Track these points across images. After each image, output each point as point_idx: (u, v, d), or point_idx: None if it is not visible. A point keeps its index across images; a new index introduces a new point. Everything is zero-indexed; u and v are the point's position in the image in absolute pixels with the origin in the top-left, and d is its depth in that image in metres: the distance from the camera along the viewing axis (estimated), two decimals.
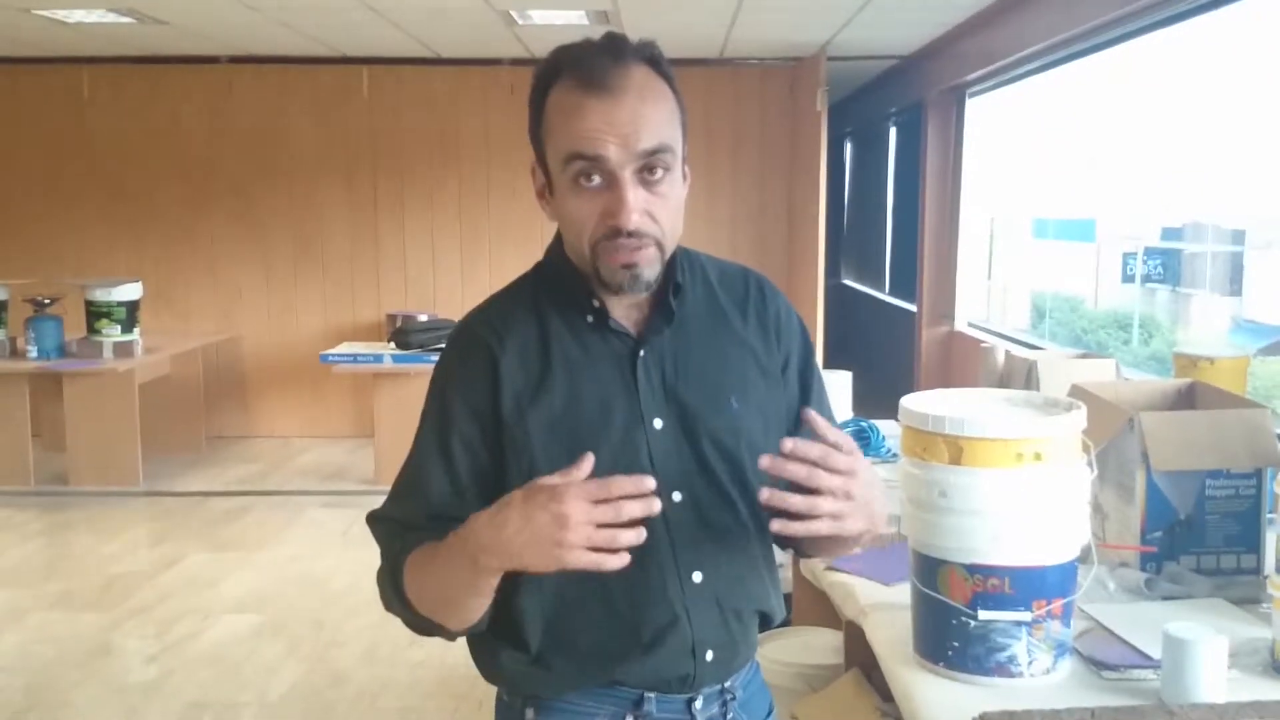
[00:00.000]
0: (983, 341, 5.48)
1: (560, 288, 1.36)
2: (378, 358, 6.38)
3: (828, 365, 6.05)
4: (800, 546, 1.44)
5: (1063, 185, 6.58)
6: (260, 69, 7.50)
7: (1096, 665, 1.52)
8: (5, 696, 3.69)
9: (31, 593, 4.69)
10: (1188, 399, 2.16)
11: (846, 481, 1.19)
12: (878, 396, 4.25)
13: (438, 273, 7.78)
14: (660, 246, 1.28)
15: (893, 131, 8.63)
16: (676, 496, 1.32)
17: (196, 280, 7.75)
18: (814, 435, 1.21)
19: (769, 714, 1.49)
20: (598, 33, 1.30)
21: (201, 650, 4.06)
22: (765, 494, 1.19)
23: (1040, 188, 6.87)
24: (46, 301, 6.50)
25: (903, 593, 1.61)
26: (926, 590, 1.50)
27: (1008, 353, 3.06)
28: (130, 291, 6.48)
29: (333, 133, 7.63)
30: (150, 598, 4.60)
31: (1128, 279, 5.77)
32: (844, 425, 3.02)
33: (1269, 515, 1.86)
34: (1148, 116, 5.51)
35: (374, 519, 1.39)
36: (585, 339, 1.34)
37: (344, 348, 6.71)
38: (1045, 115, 6.52)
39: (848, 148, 10.84)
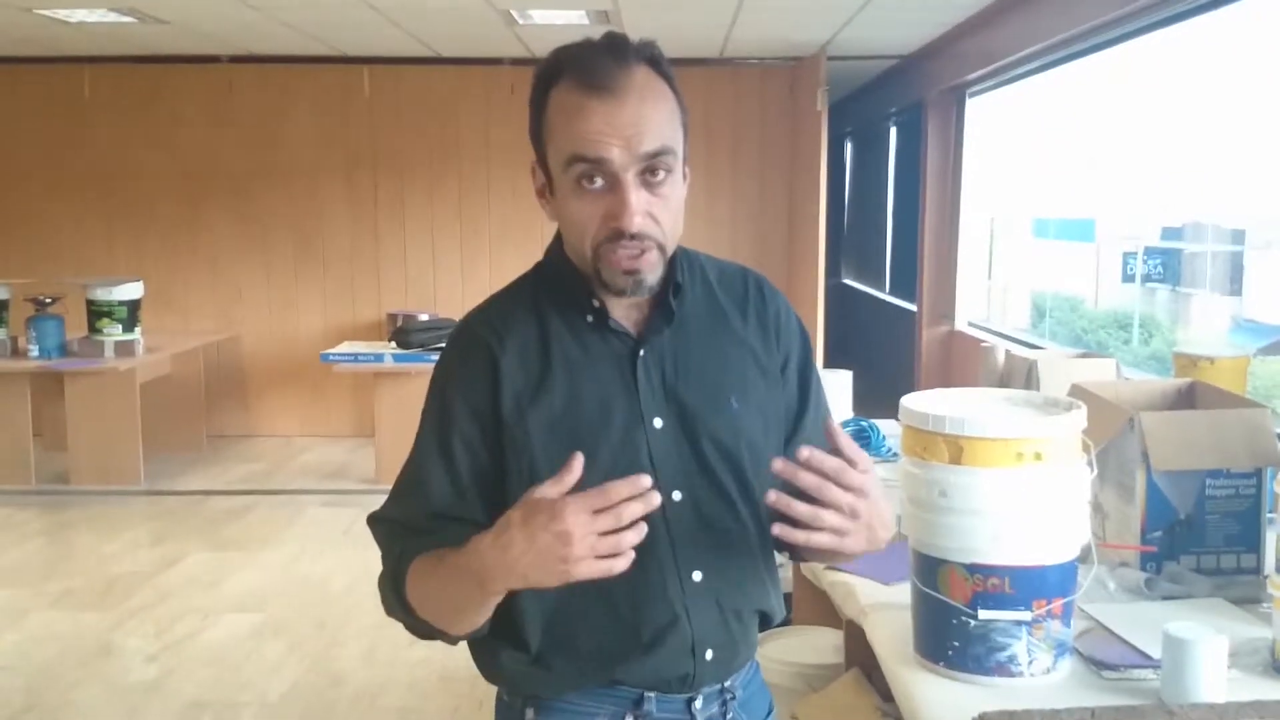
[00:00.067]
0: (983, 341, 5.48)
1: (560, 288, 1.36)
2: (378, 357, 6.38)
3: (828, 365, 6.07)
4: (795, 552, 1.44)
5: (1063, 185, 6.58)
6: (261, 68, 7.50)
7: (1096, 665, 1.52)
8: (5, 696, 3.69)
9: (32, 592, 4.69)
10: (1188, 399, 2.16)
11: (855, 500, 1.19)
12: (878, 396, 4.25)
13: (438, 272, 7.78)
14: (662, 249, 1.28)
15: (893, 131, 8.63)
16: (676, 496, 1.32)
17: (197, 279, 7.75)
18: (832, 447, 1.20)
19: (769, 714, 1.49)
20: (598, 32, 1.30)
21: (202, 650, 4.06)
22: (772, 496, 1.18)
23: (1040, 187, 6.87)
24: (48, 301, 6.50)
25: (903, 592, 1.61)
26: (927, 590, 1.50)
27: (1008, 352, 3.07)
28: (131, 291, 6.48)
29: (333, 132, 7.63)
30: (151, 597, 4.60)
31: (1128, 279, 5.77)
32: (844, 425, 3.02)
33: (1269, 515, 1.86)
34: (1147, 116, 5.51)
35: (374, 520, 1.39)
36: (585, 339, 1.34)
37: (344, 347, 6.70)
38: (1045, 115, 6.52)
39: (848, 147, 10.84)
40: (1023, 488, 1.43)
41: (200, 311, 7.76)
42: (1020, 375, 2.86)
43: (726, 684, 1.39)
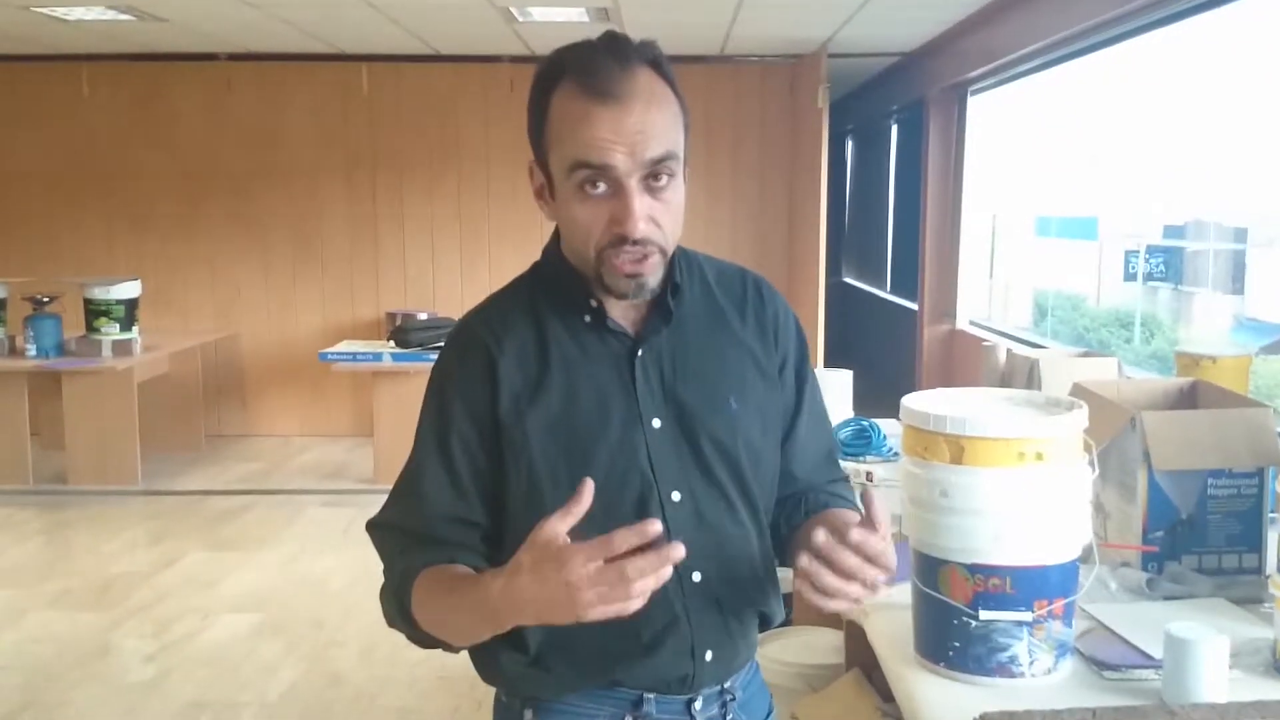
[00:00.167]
0: (984, 340, 5.48)
1: (558, 288, 1.35)
2: (377, 356, 6.37)
3: (828, 364, 6.06)
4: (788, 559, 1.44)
5: (1065, 183, 6.58)
6: (260, 66, 7.50)
7: (1098, 665, 1.52)
8: (3, 695, 3.68)
9: (30, 592, 4.68)
10: (1190, 398, 2.15)
11: (880, 576, 1.19)
12: (879, 395, 4.24)
13: (437, 271, 7.77)
14: (664, 252, 1.28)
15: (894, 129, 8.62)
16: (675, 496, 1.32)
17: (195, 278, 7.74)
18: (870, 514, 1.18)
19: (768, 714, 1.48)
20: (597, 30, 1.29)
21: (200, 650, 4.05)
22: (804, 561, 1.16)
23: (1042, 186, 6.86)
24: (45, 300, 6.49)
25: (903, 593, 1.60)
26: (927, 590, 1.49)
27: (1009, 351, 3.06)
28: (129, 290, 6.47)
29: (332, 130, 7.62)
30: (149, 597, 4.60)
31: (1130, 277, 5.77)
32: (845, 424, 3.01)
33: (1271, 515, 1.85)
34: (1149, 114, 5.50)
35: (374, 526, 1.39)
36: (583, 339, 1.34)
37: (343, 346, 6.69)
38: (1047, 113, 6.51)
39: (849, 145, 10.83)
40: (1024, 487, 1.42)
41: (199, 310, 7.76)
42: (1022, 374, 2.86)
43: (726, 685, 1.39)
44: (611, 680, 1.33)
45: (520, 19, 6.05)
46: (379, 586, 1.35)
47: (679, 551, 1.09)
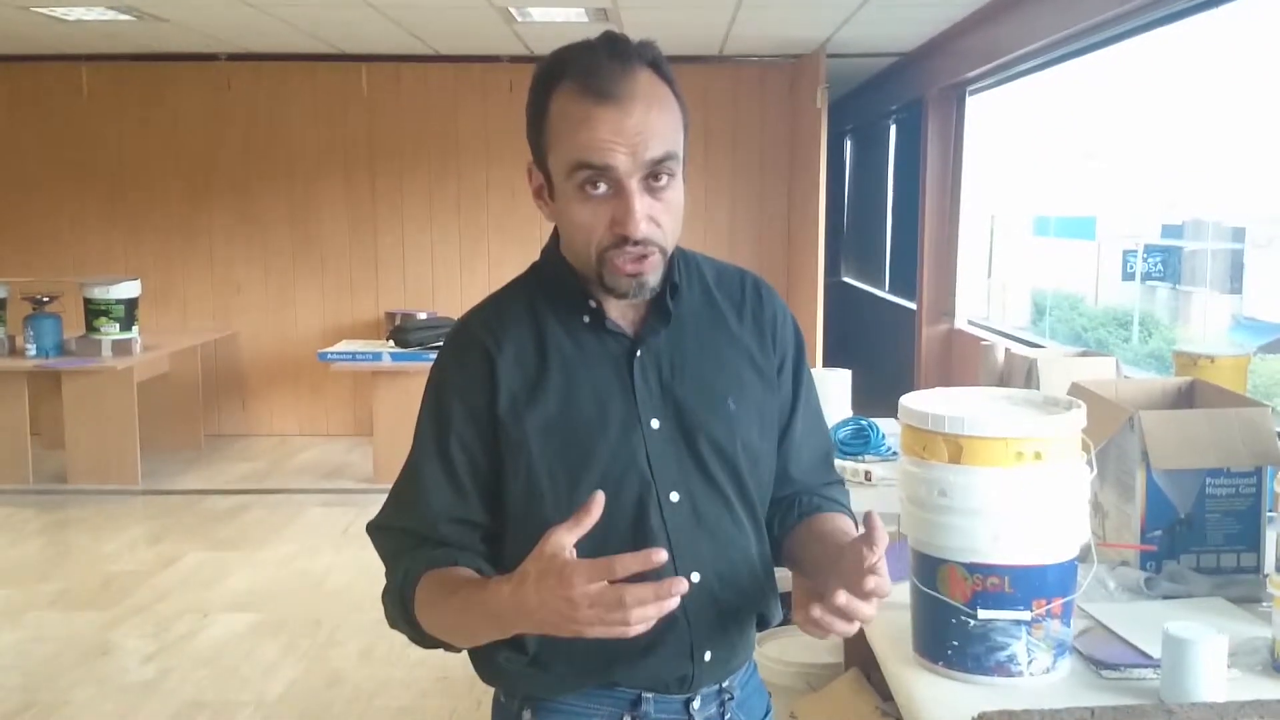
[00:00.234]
0: (983, 339, 5.48)
1: (557, 289, 1.35)
2: (376, 356, 6.37)
3: (827, 363, 6.07)
4: (793, 565, 1.44)
5: (1063, 182, 6.58)
6: (259, 66, 7.49)
7: (1096, 664, 1.52)
8: (3, 695, 3.68)
9: (29, 591, 4.68)
10: (1188, 397, 2.16)
11: (878, 604, 1.19)
12: (877, 394, 4.25)
13: (436, 270, 7.77)
14: (664, 251, 1.29)
15: (893, 129, 8.62)
16: (674, 497, 1.32)
17: (195, 278, 7.74)
18: (870, 536, 1.18)
19: (766, 714, 1.48)
20: (596, 31, 1.29)
21: (199, 649, 4.05)
22: (818, 614, 1.16)
23: (1040, 185, 6.86)
24: (45, 299, 6.49)
25: (902, 592, 1.60)
26: (926, 589, 1.49)
27: (1008, 351, 3.06)
28: (129, 289, 6.47)
29: (332, 130, 7.62)
30: (148, 596, 4.60)
31: (1128, 276, 5.76)
32: (843, 424, 3.01)
33: (1269, 514, 1.86)
34: (1148, 114, 5.51)
35: (374, 529, 1.39)
36: (582, 339, 1.34)
37: (342, 346, 6.70)
38: (1045, 113, 6.51)
39: (848, 145, 10.82)
40: (1022, 487, 1.42)
41: (198, 310, 7.76)
42: (1020, 374, 2.86)
43: (724, 685, 1.39)
44: (610, 680, 1.34)
45: (519, 19, 6.05)
46: (379, 587, 1.36)
47: (681, 586, 1.09)
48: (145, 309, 6.84)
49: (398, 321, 6.90)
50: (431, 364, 1.40)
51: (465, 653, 1.39)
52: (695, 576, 1.32)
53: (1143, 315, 5.70)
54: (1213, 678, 1.39)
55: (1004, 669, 1.46)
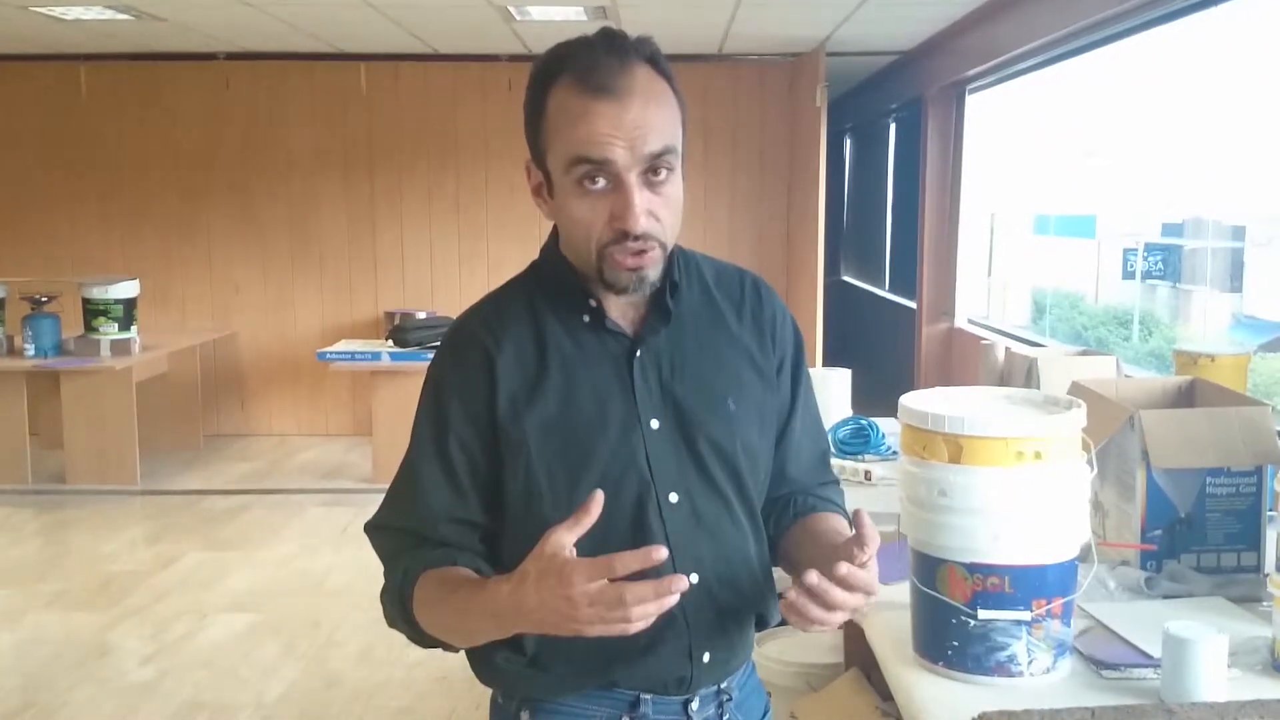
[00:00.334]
0: (983, 338, 5.48)
1: (557, 288, 1.35)
2: (375, 355, 6.37)
3: (827, 363, 6.06)
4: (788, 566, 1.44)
5: (1063, 181, 6.57)
6: (257, 65, 7.49)
7: (1096, 664, 1.51)
8: (1, 695, 3.68)
9: (28, 592, 4.68)
10: (1188, 396, 2.15)
11: (865, 599, 1.19)
12: (877, 394, 4.24)
13: (435, 270, 7.77)
14: (664, 246, 1.28)
15: (892, 127, 8.61)
16: (673, 498, 1.31)
17: (194, 278, 7.74)
18: (860, 535, 1.17)
19: (764, 714, 1.48)
20: (595, 29, 1.28)
21: (198, 650, 4.05)
22: (793, 595, 1.17)
23: (1040, 183, 6.86)
24: (44, 299, 6.49)
25: (902, 592, 1.60)
26: (926, 589, 1.49)
27: (1008, 350, 3.05)
28: (127, 289, 6.47)
29: (330, 129, 7.61)
30: (147, 597, 4.59)
31: (1128, 275, 5.76)
32: (843, 423, 3.01)
33: (1269, 513, 1.85)
34: (1148, 112, 5.50)
35: (372, 529, 1.39)
36: (581, 339, 1.33)
37: (341, 345, 6.69)
38: (1045, 111, 6.50)
39: (847, 144, 10.82)
40: (1022, 487, 1.42)
41: (197, 309, 7.75)
42: (1020, 373, 2.85)
43: (723, 686, 1.39)
44: (609, 681, 1.33)
45: (518, 18, 6.05)
46: (378, 587, 1.35)
47: (681, 584, 1.09)
48: (144, 309, 6.83)
49: (397, 321, 6.90)
50: (429, 363, 1.39)
51: (463, 653, 1.38)
52: (694, 577, 1.31)
53: (1143, 314, 5.70)
54: (1213, 677, 1.38)
55: (1004, 669, 1.45)
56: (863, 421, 3.03)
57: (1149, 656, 1.51)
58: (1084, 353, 3.07)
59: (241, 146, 7.61)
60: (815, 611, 1.17)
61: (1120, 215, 5.96)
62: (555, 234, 1.37)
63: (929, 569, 1.49)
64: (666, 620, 1.30)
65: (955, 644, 1.47)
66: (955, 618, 1.46)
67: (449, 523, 1.32)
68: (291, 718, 3.53)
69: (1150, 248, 5.51)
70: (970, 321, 6.88)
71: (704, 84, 7.41)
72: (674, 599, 1.10)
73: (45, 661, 3.94)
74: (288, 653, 4.01)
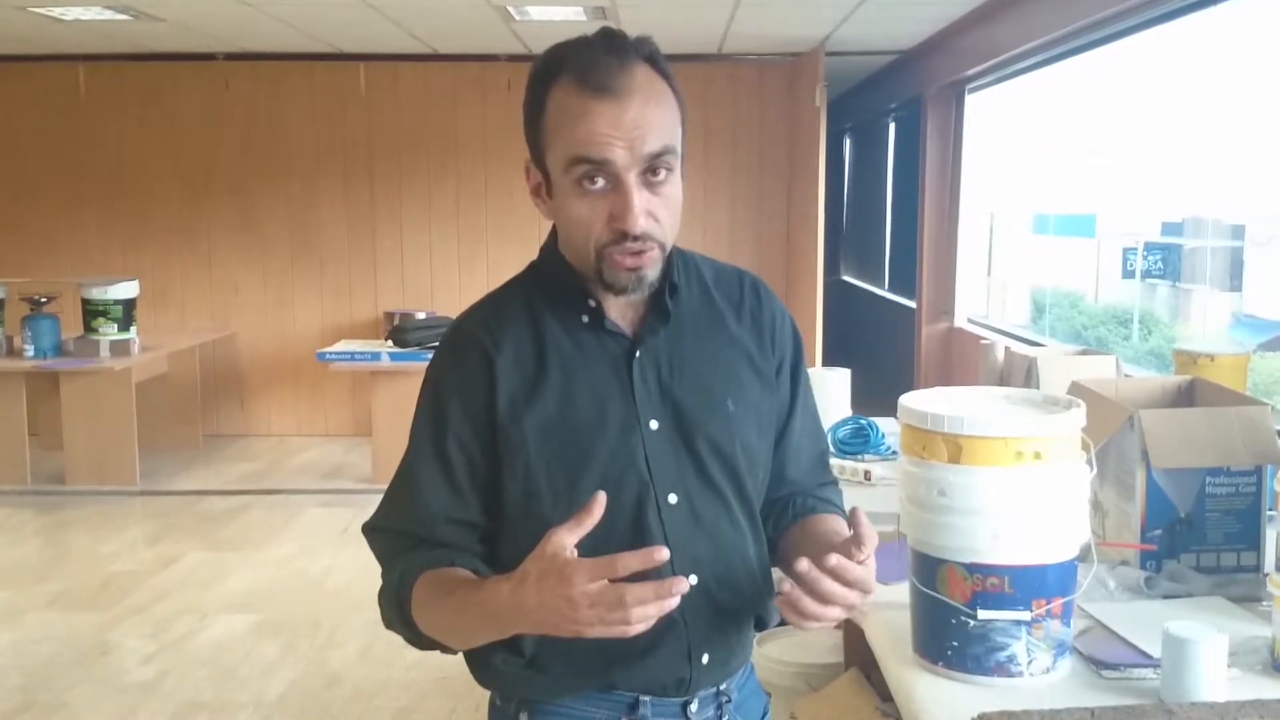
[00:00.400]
0: (982, 338, 5.47)
1: (556, 288, 1.35)
2: (375, 355, 6.37)
3: (827, 362, 6.06)
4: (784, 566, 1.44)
5: (1062, 180, 6.57)
6: (257, 66, 7.49)
7: (1096, 664, 1.51)
8: (1, 695, 3.68)
9: (28, 592, 4.68)
10: (1188, 396, 2.15)
11: (860, 596, 1.19)
12: (877, 393, 4.24)
13: (435, 270, 7.77)
14: (662, 246, 1.28)
15: (892, 127, 8.61)
16: (672, 499, 1.31)
17: (193, 278, 7.73)
18: (857, 535, 1.17)
19: (763, 716, 1.48)
20: (594, 29, 1.28)
21: (198, 650, 4.05)
22: (786, 587, 1.17)
23: (1040, 183, 6.86)
24: (43, 300, 6.49)
25: (901, 592, 1.60)
26: (925, 589, 1.49)
27: (1007, 349, 3.05)
28: (127, 290, 6.46)
29: (330, 129, 7.61)
30: (147, 597, 4.59)
31: (1128, 274, 5.76)
32: (843, 423, 3.01)
33: (1269, 513, 1.85)
34: (1148, 111, 5.50)
35: (370, 530, 1.38)
36: (581, 339, 1.33)
37: (341, 346, 6.69)
38: (1045, 111, 6.50)
39: (847, 143, 10.82)
40: (1022, 487, 1.42)
41: (197, 310, 7.75)
42: (1020, 372, 2.85)
43: (722, 687, 1.38)
44: (607, 683, 1.33)
45: (518, 18, 6.05)
46: (377, 586, 1.35)
47: (682, 585, 1.09)
48: (143, 309, 6.83)
49: (396, 321, 6.90)
50: (428, 364, 1.39)
51: (462, 654, 1.38)
52: (693, 578, 1.31)
53: (1143, 313, 5.70)
54: (1213, 677, 1.38)
55: (1004, 669, 1.45)
56: (862, 421, 3.03)
57: (1149, 656, 1.50)
58: (1084, 352, 3.07)
59: (241, 147, 7.60)
60: (809, 605, 1.16)
61: (1120, 214, 5.96)
62: (554, 234, 1.37)
63: (929, 569, 1.49)
64: (665, 622, 1.30)
65: (955, 644, 1.47)
66: (955, 618, 1.46)
67: (447, 523, 1.32)
68: (291, 718, 3.53)
69: (1150, 247, 5.51)
70: (970, 321, 6.88)
71: (703, 84, 7.41)
72: (674, 601, 1.10)
73: (45, 661, 3.94)
74: (288, 653, 4.01)
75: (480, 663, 1.35)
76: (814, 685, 2.37)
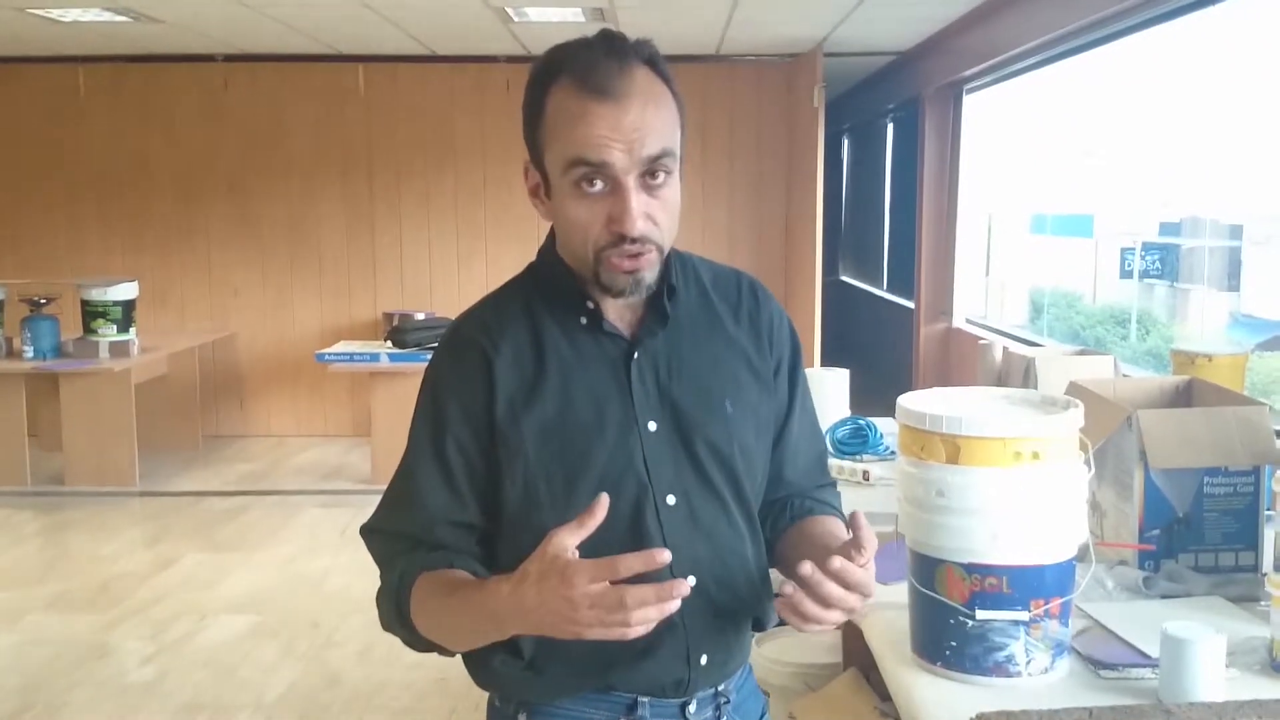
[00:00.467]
0: (981, 338, 5.48)
1: (554, 290, 1.35)
2: (374, 356, 6.37)
3: (825, 363, 6.06)
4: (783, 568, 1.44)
5: (1060, 180, 6.58)
6: (256, 67, 7.49)
7: (1095, 664, 1.52)
8: (1, 697, 3.67)
9: (27, 593, 4.67)
10: (1186, 396, 2.15)
11: (861, 600, 1.19)
12: (876, 394, 4.24)
13: (434, 270, 7.77)
14: (660, 249, 1.28)
15: (890, 127, 8.62)
16: (670, 500, 1.31)
17: (193, 279, 7.73)
18: (857, 538, 1.17)
19: (762, 717, 1.48)
20: (593, 30, 1.28)
21: (198, 651, 4.05)
22: (789, 589, 1.17)
23: (1038, 183, 6.86)
24: (42, 301, 6.48)
25: (900, 592, 1.60)
26: (924, 590, 1.49)
27: (1006, 349, 3.06)
28: (126, 291, 6.46)
29: (329, 130, 7.61)
30: (146, 598, 4.59)
31: (1125, 274, 5.76)
32: (841, 423, 3.01)
33: (1267, 513, 1.85)
34: (1145, 111, 5.51)
35: (368, 532, 1.38)
36: (579, 341, 1.33)
37: (340, 346, 6.69)
38: (1043, 111, 6.51)
39: (845, 144, 10.82)
40: (1020, 487, 1.42)
41: (196, 311, 7.75)
42: (1018, 372, 2.86)
43: (720, 688, 1.39)
44: (606, 684, 1.33)
45: (516, 19, 6.05)
46: (376, 588, 1.35)
47: (683, 588, 1.09)
48: (143, 310, 6.83)
49: (395, 322, 6.90)
50: (426, 365, 1.39)
51: (460, 656, 1.38)
52: (691, 579, 1.31)
53: (1141, 313, 5.71)
54: (1211, 677, 1.38)
55: (1002, 669, 1.45)
56: (861, 421, 3.03)
57: (1147, 656, 1.51)
58: (1082, 352, 3.08)
59: (240, 148, 7.60)
60: (810, 608, 1.17)
61: (1118, 214, 5.96)
62: (552, 236, 1.37)
63: (927, 569, 1.49)
64: (664, 623, 1.30)
65: (953, 644, 1.47)
66: (953, 618, 1.46)
67: (446, 525, 1.32)
68: (291, 718, 3.53)
69: (1148, 247, 5.51)
70: (968, 321, 6.88)
71: (702, 85, 7.41)
72: (676, 605, 1.10)
73: (45, 663, 3.94)
74: (287, 653, 4.01)
75: (479, 664, 1.35)
76: (813, 685, 2.37)
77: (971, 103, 6.73)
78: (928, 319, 7.08)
